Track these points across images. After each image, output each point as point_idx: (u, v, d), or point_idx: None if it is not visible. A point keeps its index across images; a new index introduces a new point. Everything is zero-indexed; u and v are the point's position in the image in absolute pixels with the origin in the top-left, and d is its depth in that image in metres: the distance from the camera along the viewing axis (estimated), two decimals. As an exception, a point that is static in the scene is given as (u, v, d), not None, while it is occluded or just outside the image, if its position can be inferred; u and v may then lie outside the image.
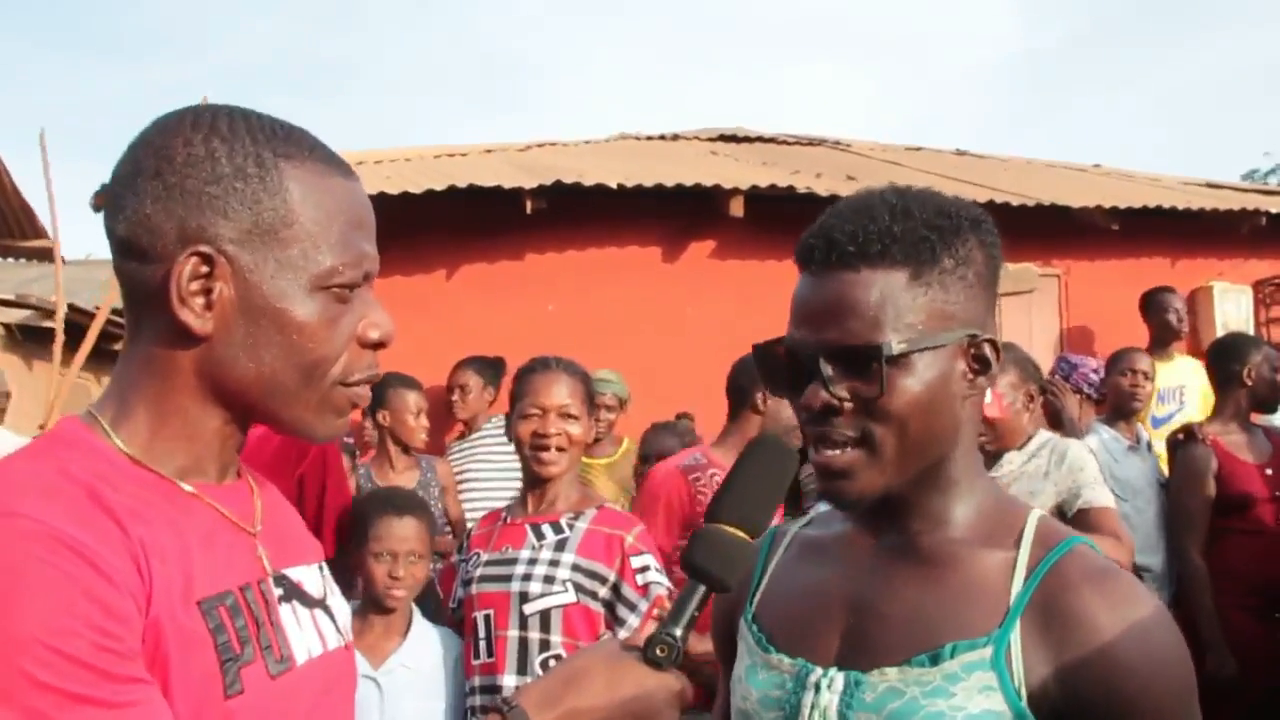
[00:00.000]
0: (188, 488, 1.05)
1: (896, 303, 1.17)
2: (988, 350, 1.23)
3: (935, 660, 1.17)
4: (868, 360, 1.17)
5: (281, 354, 1.03)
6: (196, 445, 1.06)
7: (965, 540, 1.24)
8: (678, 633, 1.05)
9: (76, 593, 0.86)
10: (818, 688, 1.23)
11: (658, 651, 1.04)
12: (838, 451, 1.20)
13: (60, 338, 7.46)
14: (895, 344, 1.16)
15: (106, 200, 1.06)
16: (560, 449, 2.79)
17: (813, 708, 1.23)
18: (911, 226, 1.19)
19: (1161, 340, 5.54)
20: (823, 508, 1.50)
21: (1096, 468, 3.45)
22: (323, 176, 1.06)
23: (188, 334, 1.02)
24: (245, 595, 1.04)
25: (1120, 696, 1.11)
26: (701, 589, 1.07)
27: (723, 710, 1.47)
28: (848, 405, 1.19)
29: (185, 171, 1.00)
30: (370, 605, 2.85)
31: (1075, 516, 3.27)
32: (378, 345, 1.09)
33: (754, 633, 1.35)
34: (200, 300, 1.01)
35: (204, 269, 1.00)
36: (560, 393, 2.82)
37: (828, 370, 1.18)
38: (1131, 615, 1.14)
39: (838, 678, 1.23)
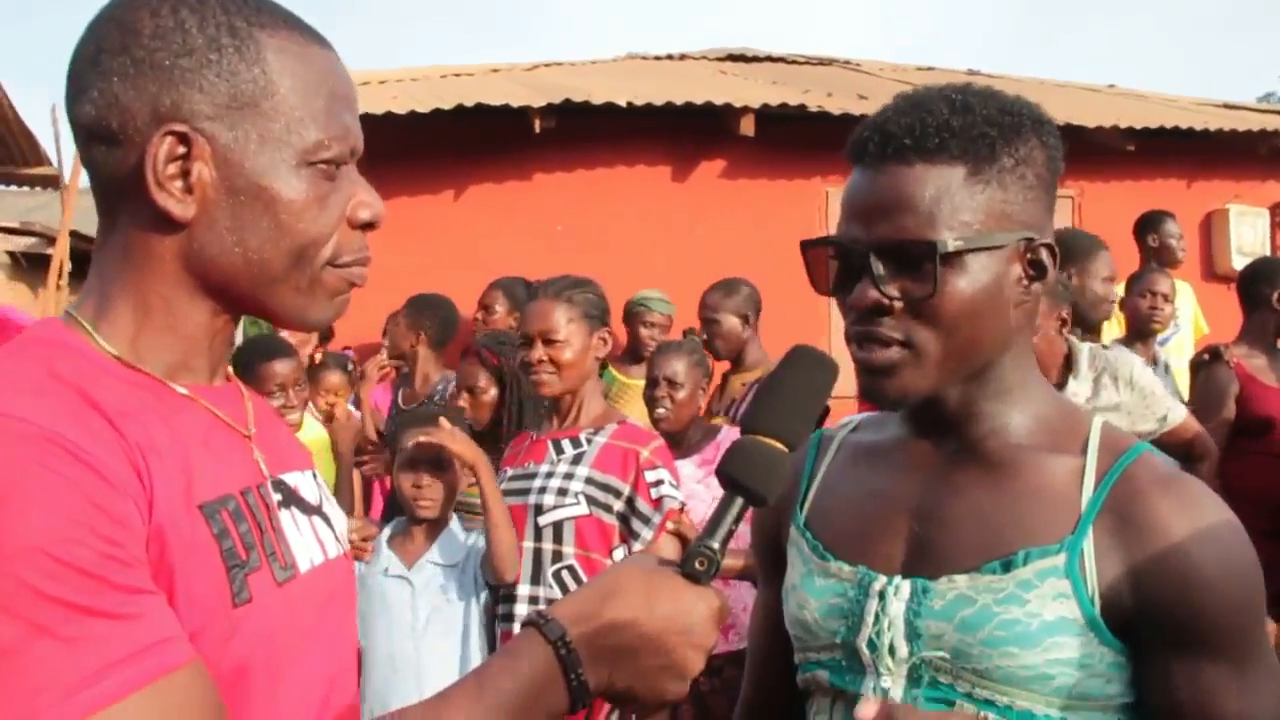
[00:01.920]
0: (180, 389, 1.00)
1: (952, 199, 1.14)
2: (1045, 255, 1.19)
3: (1007, 567, 1.15)
4: (920, 258, 1.13)
5: (269, 235, 0.97)
6: (184, 341, 1.01)
7: (1029, 446, 1.22)
8: (716, 545, 1.01)
9: (78, 498, 0.81)
10: (883, 595, 1.21)
11: (696, 565, 0.99)
12: (881, 348, 1.17)
13: (57, 265, 7.43)
14: (950, 241, 1.12)
15: (69, 83, 0.98)
16: (550, 373, 2.88)
17: (879, 616, 1.21)
18: (971, 121, 1.15)
19: (1159, 264, 5.52)
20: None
21: (1155, 379, 3.43)
22: (301, 45, 0.99)
23: (167, 220, 0.95)
24: (246, 499, 1.00)
25: (1193, 601, 1.10)
26: (739, 502, 1.02)
27: (763, 620, 1.45)
28: (897, 305, 1.15)
29: (154, 45, 0.93)
30: (409, 519, 3.04)
31: (1164, 436, 3.23)
32: (368, 226, 1.03)
33: (808, 540, 1.32)
34: (179, 183, 0.94)
35: (180, 149, 0.94)
36: (543, 319, 2.91)
37: (878, 268, 1.15)
38: (1203, 520, 1.13)
39: (904, 585, 1.20)
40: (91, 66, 0.95)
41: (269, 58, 0.97)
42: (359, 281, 1.04)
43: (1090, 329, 3.99)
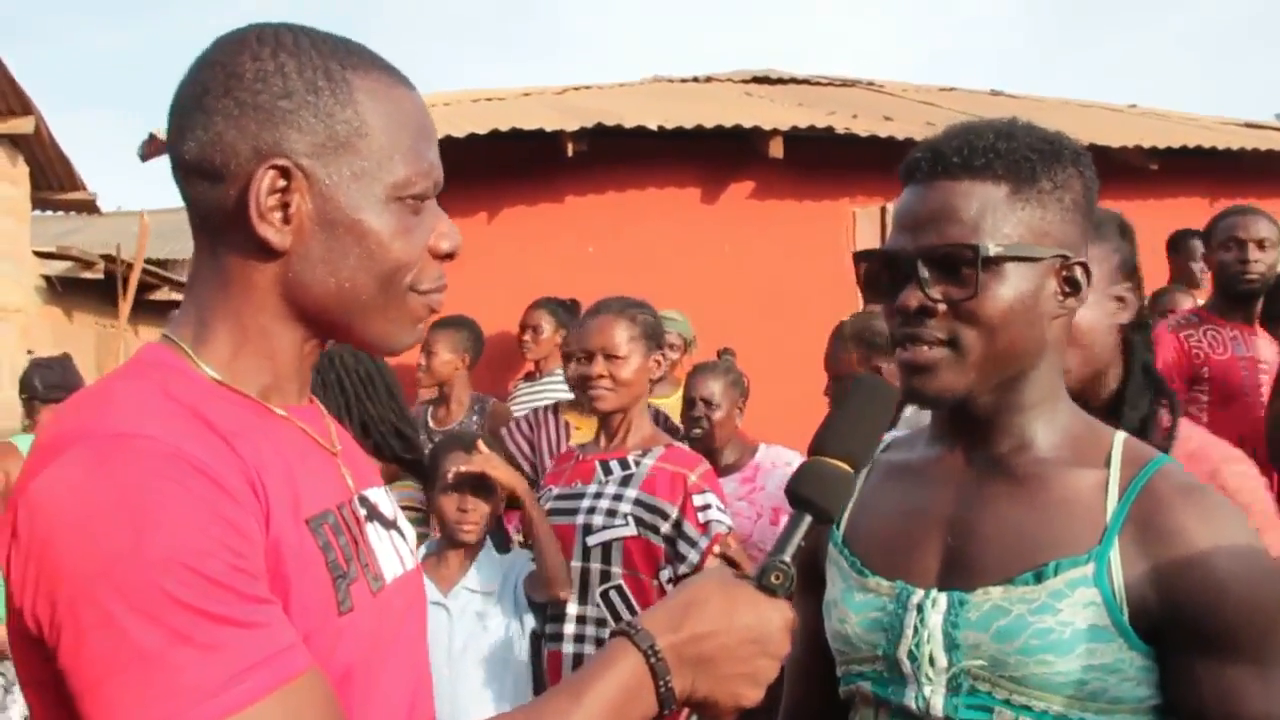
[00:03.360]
0: (279, 410, 1.05)
1: (995, 213, 1.23)
2: (1079, 273, 1.28)
3: (1039, 578, 1.21)
4: (963, 263, 1.22)
5: (360, 265, 1.02)
6: (277, 364, 1.06)
7: (1054, 460, 1.28)
8: (789, 560, 1.07)
9: (207, 512, 0.86)
10: (920, 608, 1.27)
11: (773, 579, 1.06)
12: (925, 348, 1.25)
13: (130, 292, 7.48)
14: (991, 247, 1.21)
15: (171, 125, 1.03)
16: (608, 389, 2.88)
17: (917, 628, 1.26)
18: (1015, 146, 1.25)
19: (1186, 284, 5.51)
20: (898, 433, 1.55)
21: None
22: (389, 87, 1.05)
23: (266, 249, 1.01)
24: (342, 514, 1.05)
25: (1215, 605, 1.16)
26: (808, 519, 1.09)
27: (801, 638, 1.50)
28: (941, 308, 1.24)
29: (256, 87, 0.99)
30: (447, 542, 3.00)
31: None
32: (448, 256, 1.09)
33: (847, 556, 1.38)
34: (278, 214, 1.00)
35: (281, 182, 0.99)
36: (602, 334, 2.91)
37: (924, 273, 1.24)
38: (1224, 528, 1.19)
39: (940, 598, 1.26)
40: (196, 107, 1.01)
41: (361, 99, 1.02)
42: (437, 307, 1.10)
43: None
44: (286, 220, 1.00)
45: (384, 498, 1.19)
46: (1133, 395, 1.83)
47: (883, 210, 6.27)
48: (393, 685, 1.07)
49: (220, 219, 1.02)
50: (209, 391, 1.00)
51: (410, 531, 1.23)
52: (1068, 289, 1.28)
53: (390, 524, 1.17)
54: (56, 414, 0.96)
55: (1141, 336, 1.89)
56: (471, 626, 2.90)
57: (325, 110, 1.00)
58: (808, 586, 1.48)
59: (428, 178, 1.06)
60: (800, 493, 1.10)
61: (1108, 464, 1.26)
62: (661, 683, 1.00)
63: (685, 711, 1.07)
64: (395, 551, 1.15)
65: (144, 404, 0.94)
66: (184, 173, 1.03)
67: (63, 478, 0.87)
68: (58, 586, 0.83)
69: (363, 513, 1.11)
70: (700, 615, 1.03)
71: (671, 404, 4.83)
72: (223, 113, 0.99)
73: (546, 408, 4.21)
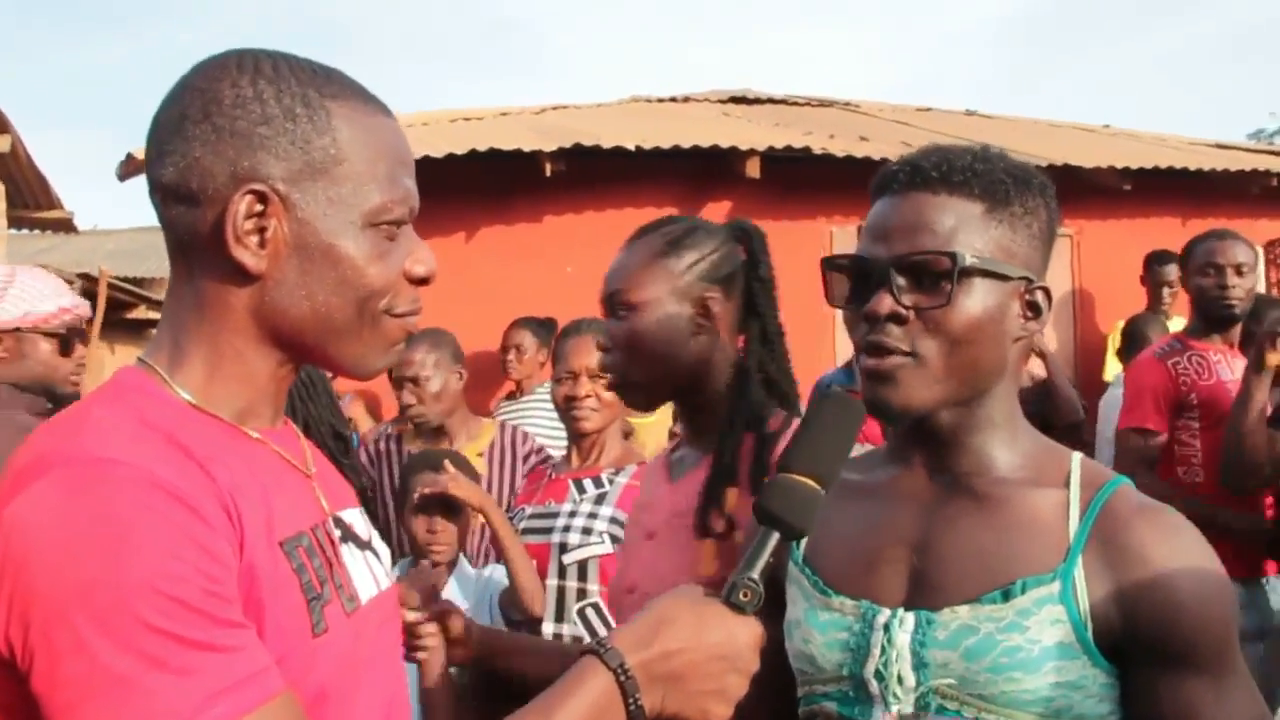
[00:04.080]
0: (253, 434, 1.06)
1: (969, 228, 1.26)
2: (1041, 298, 1.31)
3: (1007, 596, 1.22)
4: (938, 273, 1.25)
5: (335, 290, 1.03)
6: (252, 388, 1.07)
7: (1015, 481, 1.30)
8: (757, 577, 1.08)
9: (181, 537, 0.87)
10: (887, 628, 1.27)
11: (741, 596, 1.07)
12: (888, 356, 1.26)
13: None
14: (968, 257, 1.24)
15: (149, 148, 1.05)
16: (593, 409, 2.92)
17: (884, 647, 1.27)
18: (991, 169, 1.29)
19: (1159, 304, 5.58)
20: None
21: None
22: (367, 115, 1.06)
23: (242, 273, 1.02)
24: (316, 535, 1.06)
25: (1174, 620, 1.18)
26: (775, 536, 1.09)
27: (765, 657, 1.53)
28: (910, 316, 1.25)
29: (235, 113, 1.00)
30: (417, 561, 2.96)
31: None
32: (423, 281, 1.10)
33: (808, 576, 1.38)
34: (255, 239, 1.01)
35: (258, 207, 1.00)
36: (582, 354, 2.95)
37: (899, 280, 1.26)
38: (1181, 546, 1.22)
39: (908, 617, 1.27)
40: (175, 131, 1.02)
41: (338, 126, 1.03)
42: (413, 330, 1.12)
43: None
44: (263, 245, 1.01)
45: (359, 518, 1.20)
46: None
47: (859, 230, 6.30)
48: (369, 705, 1.08)
49: (197, 242, 1.03)
50: (184, 415, 1.01)
51: (385, 551, 1.24)
52: (1030, 312, 1.30)
53: (365, 544, 1.18)
54: (31, 438, 0.97)
55: (765, 350, 1.83)
56: None
57: (303, 137, 1.02)
58: (769, 605, 1.49)
59: (404, 204, 1.07)
60: (768, 509, 1.11)
61: (1067, 484, 1.29)
62: (631, 700, 1.01)
63: None
64: (370, 571, 1.16)
65: (120, 429, 0.94)
66: (161, 196, 1.04)
67: (38, 502, 0.87)
68: (32, 611, 0.84)
69: (337, 534, 1.12)
70: (669, 633, 1.05)
71: (649, 423, 4.83)
72: (201, 138, 1.00)
73: (389, 437, 3.86)
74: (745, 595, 1.07)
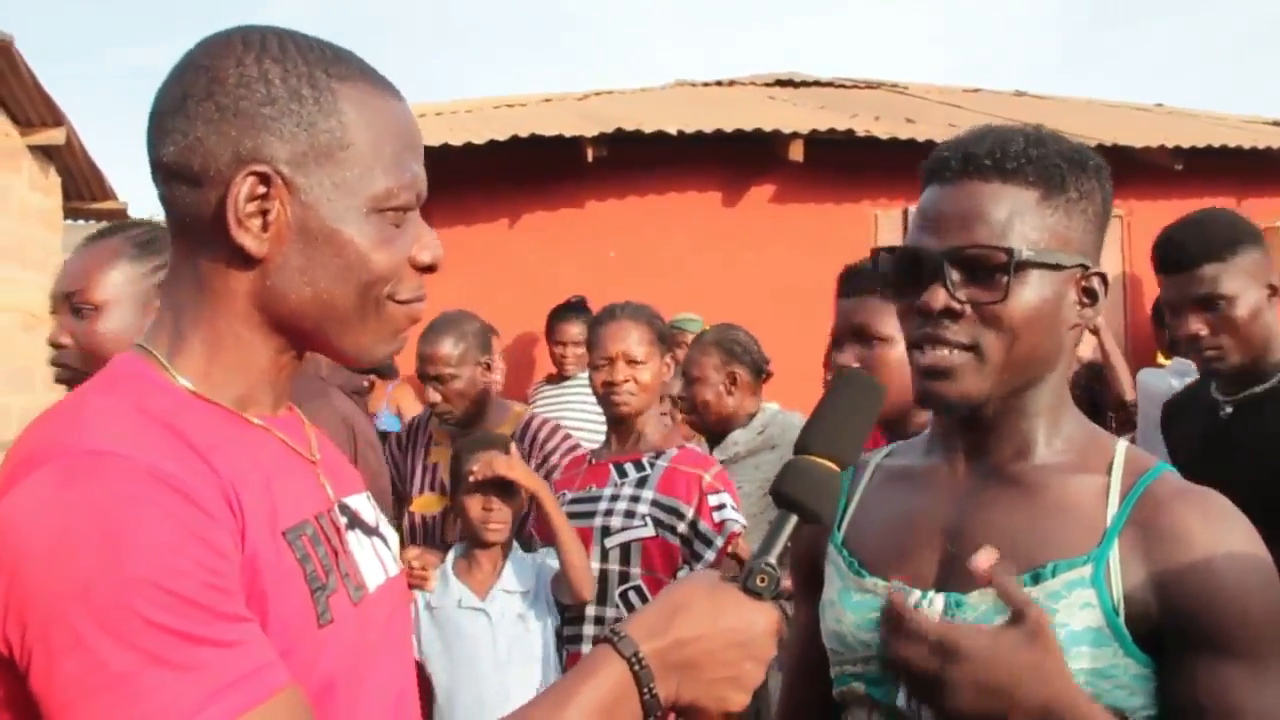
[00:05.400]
0: (255, 421, 1.03)
1: (1024, 218, 1.23)
2: (1097, 283, 1.28)
3: (1037, 579, 1.20)
4: (993, 267, 1.21)
5: (338, 276, 1.00)
6: (252, 374, 1.04)
7: (1056, 467, 1.28)
8: (774, 562, 1.05)
9: (180, 530, 0.85)
10: (917, 609, 1.25)
11: (758, 581, 1.04)
12: (946, 352, 1.23)
13: None
14: (1024, 251, 1.21)
15: (151, 125, 1.01)
16: (631, 393, 2.91)
17: None
18: (1046, 153, 1.25)
19: None
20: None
21: None
22: (375, 98, 1.03)
23: (243, 257, 0.99)
24: (320, 524, 1.03)
25: (1214, 605, 1.15)
26: (794, 520, 1.06)
27: (800, 637, 1.50)
28: (966, 310, 1.22)
29: (239, 93, 0.97)
30: (473, 543, 2.97)
31: None
32: (428, 268, 1.07)
33: (845, 558, 1.38)
34: (257, 221, 0.98)
35: (261, 189, 0.97)
36: (623, 340, 2.94)
37: (953, 274, 1.22)
38: (1223, 529, 1.18)
39: (937, 599, 1.25)
40: (176, 111, 0.98)
41: (345, 109, 1.00)
42: (418, 317, 1.08)
43: None
44: (265, 228, 0.98)
45: (365, 504, 1.18)
46: None
47: (905, 213, 6.26)
48: (378, 693, 1.06)
49: (198, 225, 1.00)
50: (184, 403, 0.98)
51: (393, 537, 1.21)
52: (1086, 299, 1.28)
53: (372, 530, 1.16)
54: (28, 429, 0.95)
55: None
56: (514, 629, 2.87)
57: (308, 118, 0.98)
58: (806, 589, 1.48)
59: (410, 190, 1.04)
60: (786, 493, 1.07)
61: (1109, 471, 1.26)
62: (646, 689, 0.99)
63: (671, 716, 1.07)
64: (378, 558, 1.13)
65: (117, 420, 0.92)
66: (163, 176, 1.01)
67: (34, 496, 0.85)
68: (29, 608, 0.82)
69: (343, 521, 1.09)
70: (684, 620, 1.02)
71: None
72: (203, 117, 0.97)
73: (417, 425, 3.80)
74: (762, 580, 1.04)
